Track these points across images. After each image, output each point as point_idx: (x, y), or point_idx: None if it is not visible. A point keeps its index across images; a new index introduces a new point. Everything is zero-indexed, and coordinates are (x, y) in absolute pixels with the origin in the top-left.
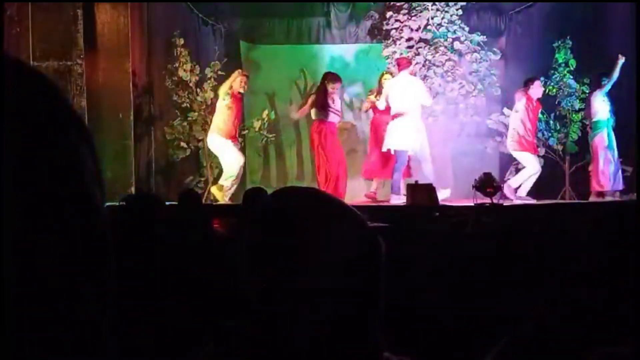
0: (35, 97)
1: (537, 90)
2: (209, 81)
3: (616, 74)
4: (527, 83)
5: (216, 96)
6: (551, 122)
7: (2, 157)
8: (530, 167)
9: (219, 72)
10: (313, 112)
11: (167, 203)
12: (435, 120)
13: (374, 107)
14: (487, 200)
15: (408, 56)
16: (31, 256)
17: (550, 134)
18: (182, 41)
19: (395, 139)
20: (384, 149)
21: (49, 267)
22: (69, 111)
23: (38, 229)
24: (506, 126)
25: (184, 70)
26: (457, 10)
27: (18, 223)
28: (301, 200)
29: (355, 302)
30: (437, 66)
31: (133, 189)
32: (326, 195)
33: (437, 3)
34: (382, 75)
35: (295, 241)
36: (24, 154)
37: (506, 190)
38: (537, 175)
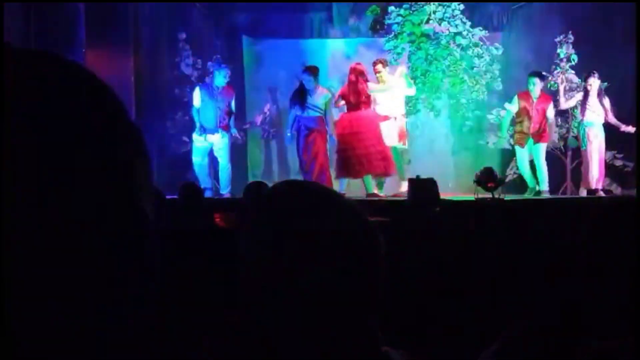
0: (97, 109)
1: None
2: (210, 75)
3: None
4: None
5: None
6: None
7: (54, 165)
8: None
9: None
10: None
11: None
12: (437, 115)
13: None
14: (489, 195)
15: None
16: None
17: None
18: (184, 35)
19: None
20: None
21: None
22: (128, 125)
23: (83, 241)
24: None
25: (186, 64)
26: (458, 5)
27: (64, 230)
28: (301, 195)
29: (355, 296)
30: (439, 61)
31: None
32: (325, 188)
33: None
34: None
35: (295, 235)
36: (78, 165)
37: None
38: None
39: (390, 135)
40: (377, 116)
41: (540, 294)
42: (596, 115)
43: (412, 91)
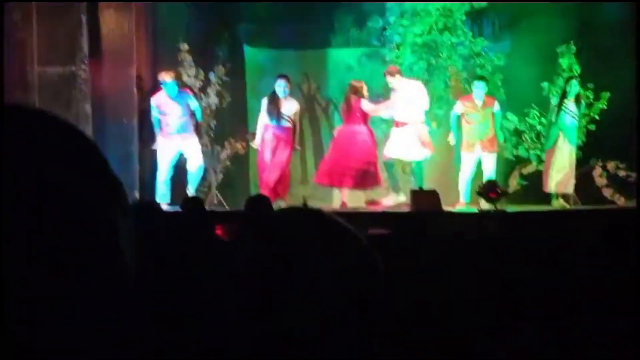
0: (83, 170)
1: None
2: (212, 86)
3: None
4: None
5: (220, 101)
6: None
7: (32, 215)
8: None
9: (223, 77)
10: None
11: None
12: (438, 124)
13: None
14: (491, 207)
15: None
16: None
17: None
18: (186, 46)
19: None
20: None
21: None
22: (112, 181)
23: (67, 292)
24: (510, 131)
25: (188, 75)
26: (460, 15)
27: (49, 283)
28: (299, 220)
29: (352, 319)
30: (441, 71)
31: (137, 194)
32: (324, 214)
33: (440, 8)
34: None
35: (293, 259)
36: (55, 216)
37: None
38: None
39: (406, 144)
40: (366, 132)
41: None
42: (570, 118)
43: (424, 102)
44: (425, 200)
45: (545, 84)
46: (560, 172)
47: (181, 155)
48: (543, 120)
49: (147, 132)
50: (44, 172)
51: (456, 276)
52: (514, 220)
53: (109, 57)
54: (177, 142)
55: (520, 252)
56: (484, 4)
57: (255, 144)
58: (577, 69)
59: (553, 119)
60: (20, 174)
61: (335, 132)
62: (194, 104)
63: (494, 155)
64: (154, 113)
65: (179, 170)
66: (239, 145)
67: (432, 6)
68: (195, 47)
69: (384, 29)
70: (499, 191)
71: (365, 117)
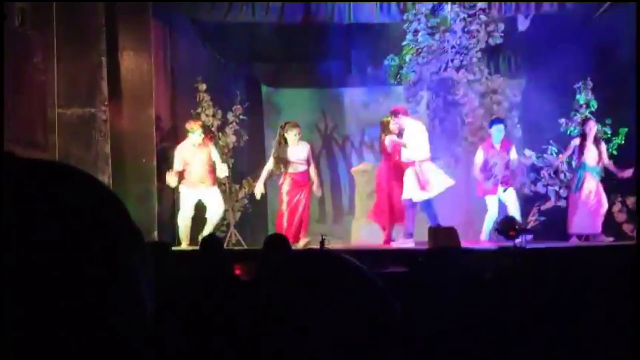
0: (103, 222)
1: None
2: (230, 125)
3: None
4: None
5: (238, 140)
6: (573, 163)
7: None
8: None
9: (241, 117)
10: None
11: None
12: (456, 161)
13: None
14: (510, 244)
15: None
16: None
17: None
18: (204, 86)
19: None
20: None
21: None
22: (126, 222)
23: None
24: (528, 167)
25: (206, 115)
26: (476, 52)
27: (71, 328)
28: (315, 263)
29: None
30: (457, 108)
31: (156, 233)
32: (340, 257)
33: (456, 45)
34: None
35: (308, 302)
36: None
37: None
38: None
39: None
40: (391, 168)
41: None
42: (592, 160)
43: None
44: (444, 237)
45: (562, 120)
46: (587, 214)
47: (202, 200)
48: (560, 155)
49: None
50: (66, 223)
51: (476, 313)
52: (533, 257)
53: (128, 98)
54: (200, 190)
55: (540, 289)
56: (499, 41)
57: (257, 191)
58: (593, 105)
59: (574, 162)
60: (43, 226)
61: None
62: (215, 155)
63: (512, 191)
64: (178, 162)
65: (200, 210)
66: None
67: (447, 44)
68: (214, 87)
69: (400, 67)
70: (518, 228)
71: (393, 152)
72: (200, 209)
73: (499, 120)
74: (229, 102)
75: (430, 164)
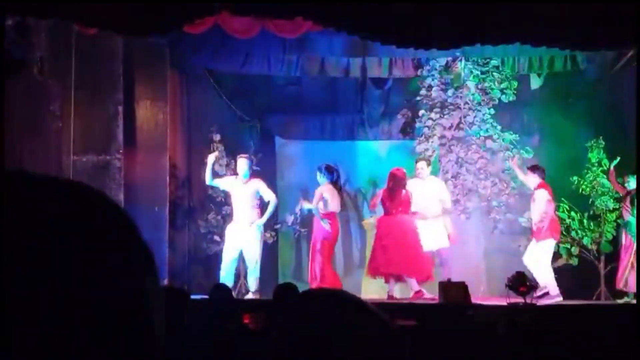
0: (116, 242)
1: None
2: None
3: None
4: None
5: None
6: (585, 221)
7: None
8: None
9: (254, 167)
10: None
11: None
12: (467, 217)
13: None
14: (521, 300)
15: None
16: None
17: (584, 234)
18: (218, 137)
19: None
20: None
21: None
22: (144, 252)
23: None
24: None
25: (220, 165)
26: (489, 109)
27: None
28: (327, 302)
29: None
30: (470, 164)
31: (166, 281)
32: (351, 296)
33: (469, 102)
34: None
35: (321, 342)
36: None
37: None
38: None
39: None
40: (411, 221)
41: None
42: (629, 215)
43: (447, 201)
44: (455, 292)
45: (574, 178)
46: (628, 270)
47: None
48: (573, 214)
49: (177, 218)
50: (78, 241)
51: None
52: (545, 313)
53: (143, 147)
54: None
55: (550, 346)
56: (512, 98)
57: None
58: (606, 163)
59: (612, 219)
60: (54, 243)
61: (381, 224)
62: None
63: (543, 244)
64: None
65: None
66: (267, 235)
67: (461, 100)
68: (228, 137)
69: (413, 121)
70: (529, 284)
71: (407, 206)
72: (210, 257)
73: (534, 168)
74: (242, 153)
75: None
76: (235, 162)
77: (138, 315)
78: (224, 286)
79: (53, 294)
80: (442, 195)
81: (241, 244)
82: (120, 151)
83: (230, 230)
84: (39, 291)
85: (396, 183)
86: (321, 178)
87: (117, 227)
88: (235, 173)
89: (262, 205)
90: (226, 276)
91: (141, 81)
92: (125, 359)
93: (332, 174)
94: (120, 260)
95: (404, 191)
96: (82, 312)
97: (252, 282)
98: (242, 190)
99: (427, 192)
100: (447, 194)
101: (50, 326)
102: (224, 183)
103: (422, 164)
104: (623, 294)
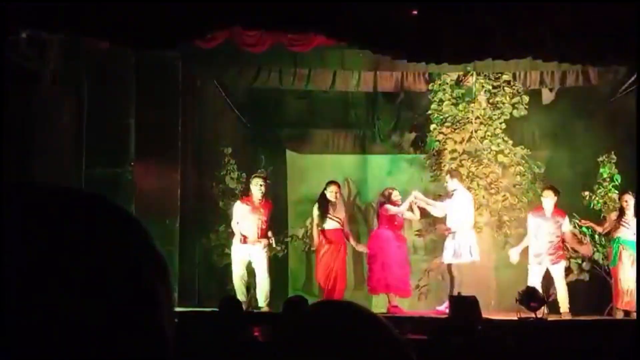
0: (131, 249)
1: None
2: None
3: None
4: None
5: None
6: (596, 237)
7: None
8: None
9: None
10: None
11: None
12: (479, 232)
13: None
14: (531, 315)
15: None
16: None
17: (595, 249)
18: (229, 150)
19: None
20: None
21: None
22: (150, 248)
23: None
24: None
25: (231, 178)
26: (500, 123)
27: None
28: (335, 314)
29: None
30: (481, 178)
31: (176, 295)
32: (360, 308)
33: (480, 116)
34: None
35: (329, 354)
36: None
37: None
38: None
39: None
40: (391, 237)
41: None
42: (631, 234)
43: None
44: (465, 307)
45: (585, 193)
46: (628, 290)
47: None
48: (583, 229)
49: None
50: (90, 246)
51: None
52: (555, 329)
53: (155, 159)
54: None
55: None
56: (523, 113)
57: (314, 244)
58: (617, 178)
59: (611, 235)
60: (67, 250)
61: (371, 239)
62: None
63: (561, 266)
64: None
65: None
66: (278, 248)
67: (472, 114)
68: (239, 151)
69: (424, 135)
70: (539, 299)
71: (390, 221)
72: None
73: (550, 189)
74: (254, 166)
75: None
76: (247, 177)
77: (150, 319)
78: (234, 299)
79: (67, 296)
80: (468, 209)
81: (249, 258)
82: (132, 163)
83: (236, 247)
84: (53, 294)
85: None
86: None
87: (132, 235)
88: (246, 188)
89: (269, 222)
90: (237, 290)
91: (153, 94)
92: (137, 356)
93: None
94: (135, 264)
95: (387, 207)
96: (96, 313)
97: (262, 295)
98: (252, 213)
99: (454, 205)
100: (471, 207)
101: (62, 327)
102: (237, 212)
103: (447, 178)
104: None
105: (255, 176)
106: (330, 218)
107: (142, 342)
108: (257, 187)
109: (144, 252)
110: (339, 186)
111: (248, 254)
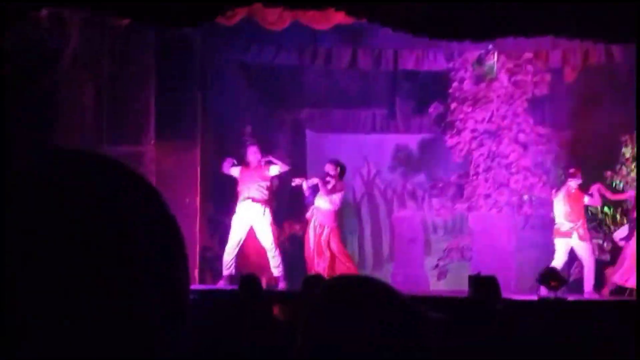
0: (153, 220)
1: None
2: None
3: None
4: None
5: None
6: (618, 217)
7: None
8: None
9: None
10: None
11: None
12: (499, 211)
13: None
14: (552, 295)
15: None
16: None
17: (617, 229)
18: (249, 129)
19: None
20: None
21: None
22: (176, 232)
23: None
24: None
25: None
26: (522, 102)
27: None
28: (352, 288)
29: None
30: (502, 157)
31: (197, 272)
32: (381, 283)
33: (502, 95)
34: None
35: (347, 328)
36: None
37: None
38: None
39: None
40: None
41: None
42: None
43: None
44: (484, 287)
45: (608, 173)
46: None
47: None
48: (606, 209)
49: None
50: (112, 218)
51: None
52: (575, 308)
53: (175, 138)
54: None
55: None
56: (545, 91)
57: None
58: None
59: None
60: (90, 220)
61: None
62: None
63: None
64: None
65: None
66: (296, 226)
67: (493, 93)
68: (259, 130)
69: (445, 114)
70: (560, 279)
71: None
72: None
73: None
74: (273, 146)
75: None
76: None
77: (172, 287)
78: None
79: (85, 270)
80: None
81: (251, 222)
82: (153, 142)
83: (240, 208)
84: (73, 260)
85: None
86: None
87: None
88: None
89: (273, 188)
90: (229, 254)
91: (173, 73)
92: (162, 322)
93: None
94: (154, 234)
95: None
96: (112, 290)
97: (276, 268)
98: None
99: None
100: None
101: (81, 304)
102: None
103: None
104: None
105: (250, 144)
106: (321, 197)
107: (167, 310)
108: (252, 155)
109: (162, 218)
110: (334, 166)
111: (249, 219)
